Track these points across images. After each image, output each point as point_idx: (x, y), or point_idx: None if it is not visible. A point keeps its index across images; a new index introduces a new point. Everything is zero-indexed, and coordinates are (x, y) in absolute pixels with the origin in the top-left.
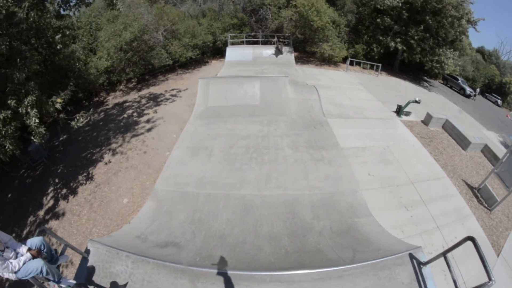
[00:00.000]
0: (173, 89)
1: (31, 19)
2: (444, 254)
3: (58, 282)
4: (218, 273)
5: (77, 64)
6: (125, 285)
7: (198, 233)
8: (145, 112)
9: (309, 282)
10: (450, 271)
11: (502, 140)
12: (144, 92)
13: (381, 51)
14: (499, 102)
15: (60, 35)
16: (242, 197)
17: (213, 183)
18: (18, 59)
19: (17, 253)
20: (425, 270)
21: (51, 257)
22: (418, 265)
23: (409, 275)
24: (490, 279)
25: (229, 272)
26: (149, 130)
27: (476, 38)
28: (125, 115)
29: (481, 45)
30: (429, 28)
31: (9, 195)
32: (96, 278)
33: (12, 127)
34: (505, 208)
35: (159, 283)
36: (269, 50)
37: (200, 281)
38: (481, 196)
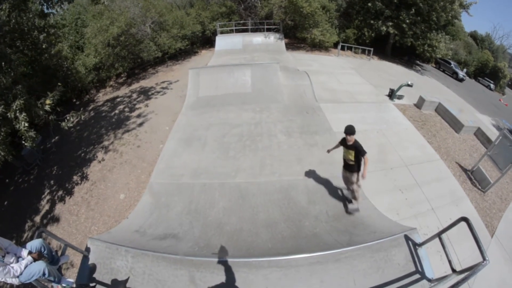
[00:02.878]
0: (163, 81)
1: (14, 20)
2: (439, 235)
3: (58, 283)
4: (217, 262)
5: (65, 63)
6: (126, 280)
7: (195, 223)
8: (137, 106)
9: (307, 266)
10: (445, 251)
11: (495, 123)
12: (135, 86)
13: (373, 35)
14: (492, 86)
15: (44, 34)
16: (238, 185)
17: (208, 172)
18: (3, 63)
19: (18, 258)
20: (421, 251)
21: (52, 258)
22: (413, 246)
23: (405, 256)
24: (484, 259)
25: (228, 260)
26: (141, 124)
27: (469, 22)
28: (116, 111)
29: (474, 29)
30: (420, 12)
31: (6, 202)
32: (97, 276)
33: (2, 133)
34: (498, 190)
35: (159, 275)
36: (259, 38)
37: (200, 271)
38: (474, 178)
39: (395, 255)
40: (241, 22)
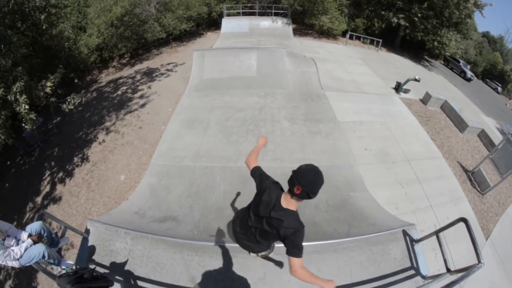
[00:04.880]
0: (167, 63)
1: (12, 1)
2: (436, 233)
3: (58, 265)
4: (216, 246)
5: (67, 43)
6: (125, 262)
7: (195, 206)
8: (140, 87)
9: (305, 255)
10: (442, 250)
11: (499, 127)
12: (138, 67)
13: (382, 26)
14: (499, 89)
15: (45, 14)
16: (239, 170)
17: (210, 156)
18: (2, 45)
19: (18, 240)
20: (417, 247)
21: (52, 240)
22: (410, 242)
23: (401, 251)
24: (479, 261)
25: (227, 245)
26: (143, 105)
27: (482, 22)
28: (119, 92)
29: (487, 30)
30: (433, 7)
31: (7, 184)
32: (97, 257)
33: (2, 117)
34: (497, 194)
35: (158, 258)
36: (266, 22)
37: (199, 255)
38: (474, 180)
39: (392, 249)
40: (249, 5)
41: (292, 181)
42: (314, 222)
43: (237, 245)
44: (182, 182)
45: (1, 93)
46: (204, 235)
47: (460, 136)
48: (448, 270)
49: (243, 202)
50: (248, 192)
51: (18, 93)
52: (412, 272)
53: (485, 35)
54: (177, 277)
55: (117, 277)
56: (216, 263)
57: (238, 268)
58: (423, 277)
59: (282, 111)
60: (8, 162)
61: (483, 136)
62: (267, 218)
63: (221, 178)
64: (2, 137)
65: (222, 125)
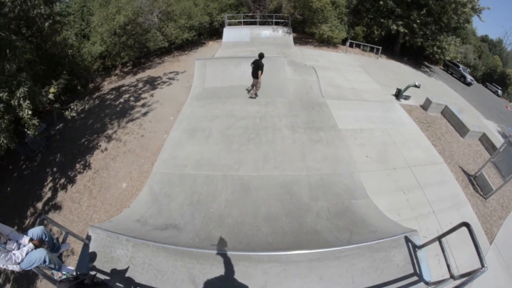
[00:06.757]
0: (169, 72)
1: (18, 7)
2: (439, 238)
3: (58, 270)
4: (217, 254)
5: (70, 50)
6: (126, 269)
7: (197, 214)
8: (142, 95)
9: (306, 262)
10: (444, 255)
11: (500, 130)
12: (140, 75)
13: (382, 33)
14: (499, 92)
15: (50, 21)
16: (240, 178)
17: (211, 164)
18: (7, 50)
19: (19, 244)
20: (420, 253)
21: (53, 245)
22: (413, 248)
23: (404, 257)
24: (483, 265)
25: (228, 253)
26: (145, 113)
27: (481, 26)
28: (121, 100)
29: (485, 33)
30: (432, 13)
31: (8, 188)
32: (98, 264)
33: (5, 121)
34: (500, 198)
35: (159, 265)
36: (267, 31)
37: (200, 263)
38: (477, 184)
39: (395, 256)
40: (250, 14)
41: (259, 56)
42: (316, 230)
43: (239, 253)
44: (184, 190)
45: (5, 97)
46: (205, 243)
47: (461, 140)
48: (452, 276)
49: (245, 211)
50: (250, 201)
51: (21, 98)
52: (415, 278)
53: (484, 39)
54: (178, 285)
55: (117, 283)
56: (217, 270)
57: (240, 276)
58: (426, 283)
59: (283, 119)
60: (10, 167)
61: (485, 140)
62: (256, 65)
63: (222, 187)
64: (5, 141)
65: (224, 134)
